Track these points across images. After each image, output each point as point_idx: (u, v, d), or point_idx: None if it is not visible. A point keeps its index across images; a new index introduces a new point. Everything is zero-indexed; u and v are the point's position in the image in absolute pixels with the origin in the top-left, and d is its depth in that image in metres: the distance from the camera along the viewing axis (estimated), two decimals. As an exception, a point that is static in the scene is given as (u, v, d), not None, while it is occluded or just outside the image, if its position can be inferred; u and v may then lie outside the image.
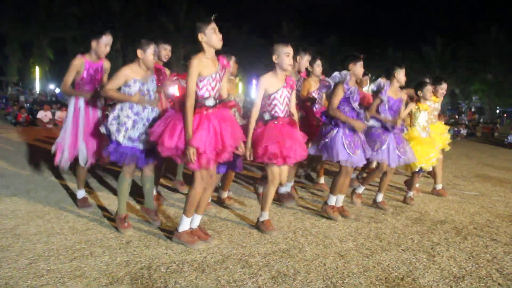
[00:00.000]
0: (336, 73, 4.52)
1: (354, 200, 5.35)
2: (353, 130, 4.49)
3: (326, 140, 4.48)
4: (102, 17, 32.50)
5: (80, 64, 4.25)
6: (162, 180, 5.50)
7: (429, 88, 5.37)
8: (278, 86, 3.95)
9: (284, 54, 3.88)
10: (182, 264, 3.23)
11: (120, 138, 3.76)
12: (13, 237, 3.61)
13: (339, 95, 4.46)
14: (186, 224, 3.61)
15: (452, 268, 3.46)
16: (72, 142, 4.25)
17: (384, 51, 38.64)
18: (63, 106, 17.60)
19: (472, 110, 34.72)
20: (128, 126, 3.79)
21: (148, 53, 3.85)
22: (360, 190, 5.41)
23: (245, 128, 3.90)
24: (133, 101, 3.80)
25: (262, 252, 3.56)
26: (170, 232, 3.90)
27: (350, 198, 5.37)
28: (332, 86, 4.54)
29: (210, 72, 3.47)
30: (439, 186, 6.15)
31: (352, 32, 37.22)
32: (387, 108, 4.94)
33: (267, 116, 3.97)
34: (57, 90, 30.74)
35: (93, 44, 4.25)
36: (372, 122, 4.90)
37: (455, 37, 34.88)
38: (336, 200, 4.75)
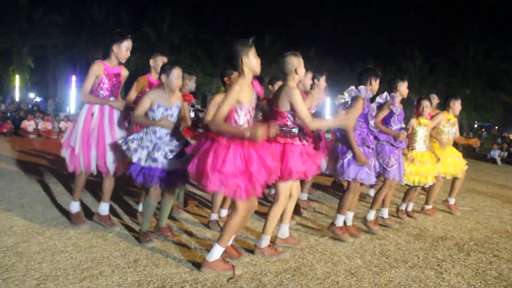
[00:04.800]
0: (352, 88, 4.42)
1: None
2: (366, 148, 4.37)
3: (345, 160, 4.29)
4: (84, 26, 32.19)
5: (99, 69, 4.14)
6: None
7: (426, 103, 5.45)
8: None
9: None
10: (196, 284, 3.16)
11: (135, 158, 3.77)
12: (16, 256, 3.48)
13: (358, 111, 4.28)
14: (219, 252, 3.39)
15: (462, 285, 3.49)
16: (85, 150, 4.09)
17: (365, 65, 39.18)
18: (46, 115, 17.30)
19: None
20: (150, 149, 3.81)
21: (172, 77, 3.87)
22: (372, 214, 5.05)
23: None
24: (160, 125, 3.83)
25: (273, 270, 3.52)
26: (176, 249, 3.84)
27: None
28: (350, 101, 4.37)
29: (249, 99, 3.26)
30: (428, 207, 6.04)
31: (333, 46, 37.80)
32: (397, 119, 4.90)
33: (295, 130, 3.74)
34: (38, 99, 30.12)
35: (114, 48, 4.14)
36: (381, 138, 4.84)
37: (435, 52, 35.77)
38: (346, 218, 4.68)
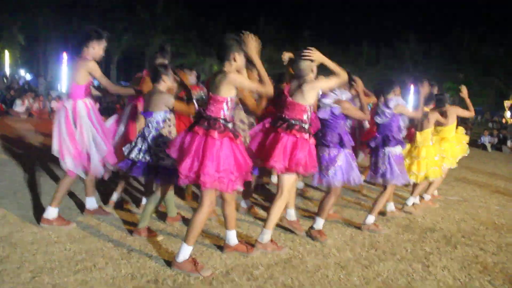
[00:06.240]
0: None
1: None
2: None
3: (336, 166, 4.17)
4: (77, 6, 31.66)
5: None
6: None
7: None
8: None
9: None
10: (188, 276, 3.22)
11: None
12: (10, 247, 3.52)
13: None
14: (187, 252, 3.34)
15: (447, 279, 3.58)
16: (76, 151, 4.00)
17: (359, 47, 39.18)
18: (38, 96, 17.12)
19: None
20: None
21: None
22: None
23: None
24: None
25: (265, 263, 3.59)
26: (169, 240, 3.91)
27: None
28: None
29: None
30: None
31: (327, 28, 37.52)
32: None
33: (306, 126, 3.79)
34: (28, 77, 29.73)
35: (95, 46, 3.99)
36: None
37: (429, 36, 35.73)
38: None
